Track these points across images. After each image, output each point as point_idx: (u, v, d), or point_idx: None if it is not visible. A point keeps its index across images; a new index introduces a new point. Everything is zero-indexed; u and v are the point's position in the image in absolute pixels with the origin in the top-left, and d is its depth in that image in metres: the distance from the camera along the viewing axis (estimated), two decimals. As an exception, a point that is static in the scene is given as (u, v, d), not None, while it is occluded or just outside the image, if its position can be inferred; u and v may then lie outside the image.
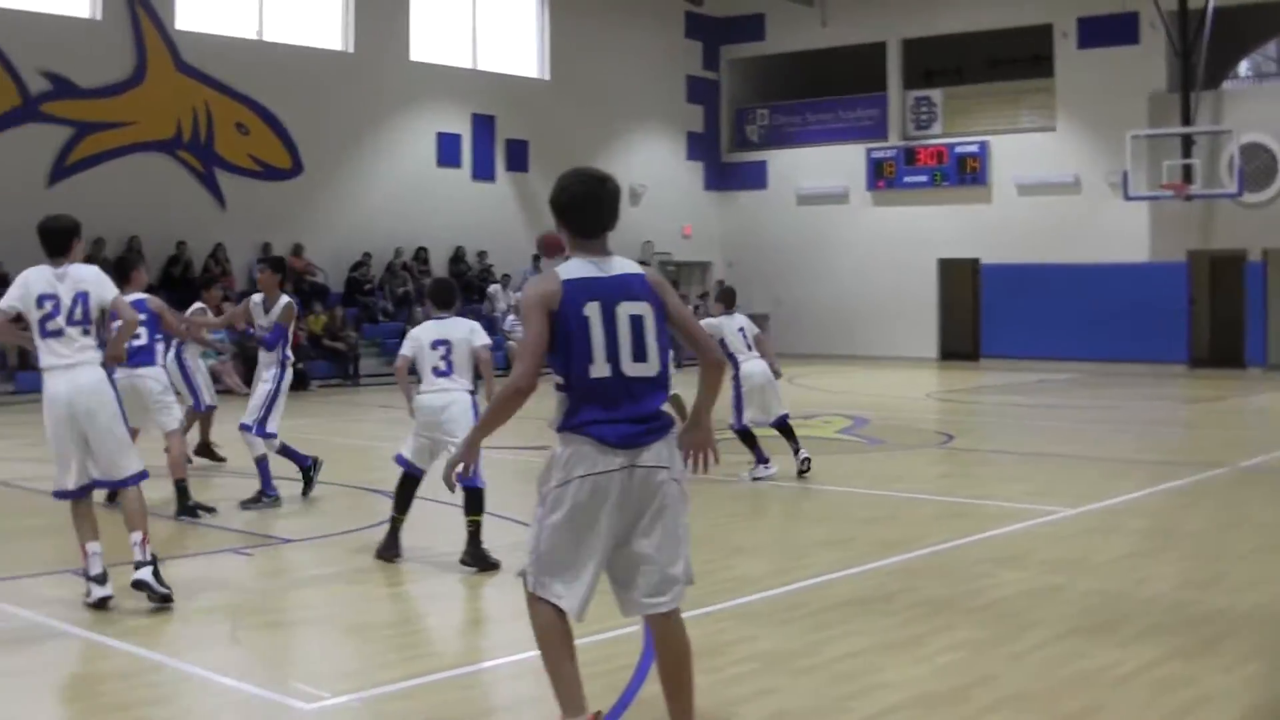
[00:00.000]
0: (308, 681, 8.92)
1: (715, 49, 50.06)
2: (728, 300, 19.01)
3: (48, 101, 34.47)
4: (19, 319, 10.88)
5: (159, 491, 14.60)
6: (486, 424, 7.36)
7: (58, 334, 10.62)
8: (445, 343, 12.67)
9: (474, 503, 12.19)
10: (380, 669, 9.33)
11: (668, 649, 7.23)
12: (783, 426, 18.43)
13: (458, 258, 41.30)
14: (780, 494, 17.28)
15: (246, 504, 15.63)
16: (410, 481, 12.65)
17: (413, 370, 12.90)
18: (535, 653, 7.29)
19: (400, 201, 40.40)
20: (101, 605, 10.49)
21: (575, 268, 7.10)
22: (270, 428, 15.74)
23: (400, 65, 40.96)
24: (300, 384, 33.32)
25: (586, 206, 7.18)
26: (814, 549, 13.41)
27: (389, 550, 12.56)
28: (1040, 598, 11.23)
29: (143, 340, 14.47)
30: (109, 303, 10.81)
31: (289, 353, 16.24)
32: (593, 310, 6.98)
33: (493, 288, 40.60)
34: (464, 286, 38.94)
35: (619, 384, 7.02)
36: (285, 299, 16.19)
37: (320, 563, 12.95)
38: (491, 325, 36.56)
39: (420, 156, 41.52)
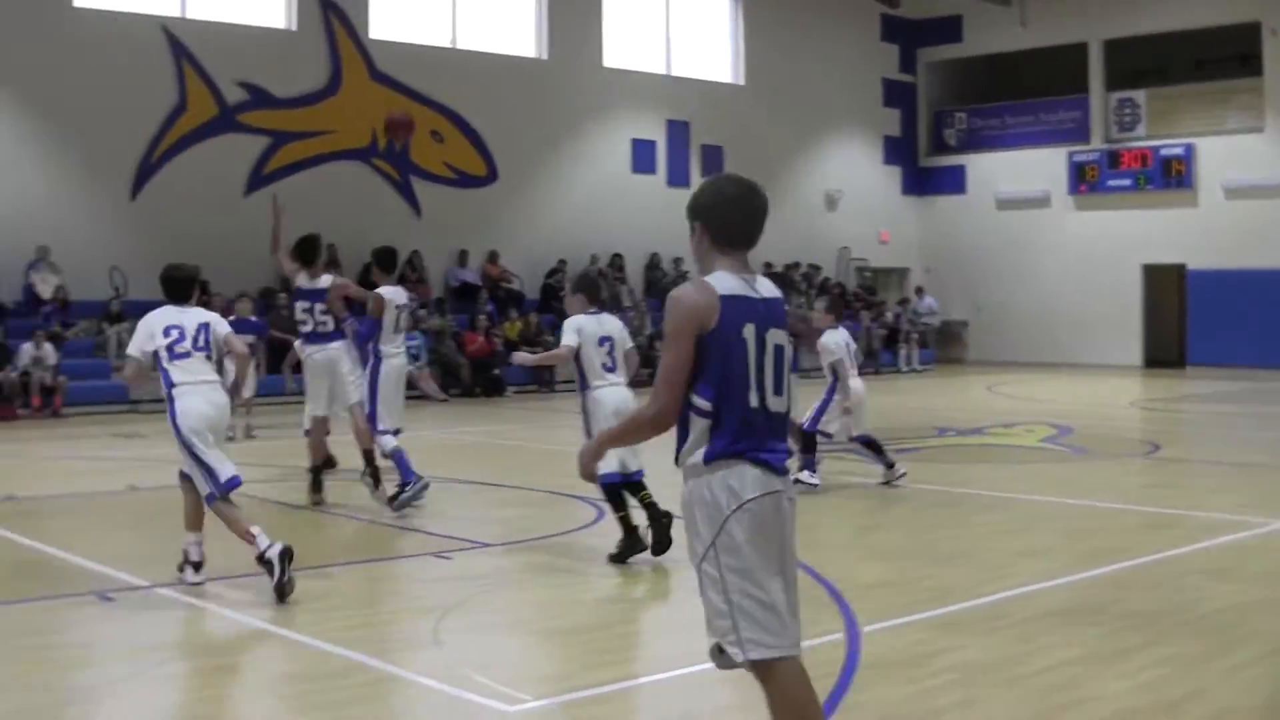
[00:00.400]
0: (509, 684, 8.74)
1: (912, 51, 49.16)
2: (837, 311, 18.45)
3: (245, 112, 34.68)
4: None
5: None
6: (615, 439, 6.92)
7: (185, 356, 11.72)
8: (609, 339, 12.87)
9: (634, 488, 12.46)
10: (581, 672, 9.28)
11: (792, 699, 6.22)
12: (869, 443, 17.75)
13: (653, 264, 40.90)
14: (980, 503, 16.61)
15: (393, 502, 15.34)
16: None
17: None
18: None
19: (595, 208, 40.12)
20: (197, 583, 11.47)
21: (729, 282, 6.21)
22: (381, 425, 15.57)
23: (594, 71, 40.66)
24: (496, 390, 33.17)
25: (744, 210, 6.34)
26: (1017, 559, 12.85)
27: (630, 550, 12.52)
28: (1253, 611, 10.74)
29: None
30: (223, 337, 12.02)
31: (381, 346, 15.88)
32: (749, 334, 6.17)
33: None
34: (659, 293, 38.46)
35: (765, 417, 6.23)
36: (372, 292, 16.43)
37: (520, 566, 12.79)
38: None
39: (615, 162, 41.18)
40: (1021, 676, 8.70)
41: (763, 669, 6.08)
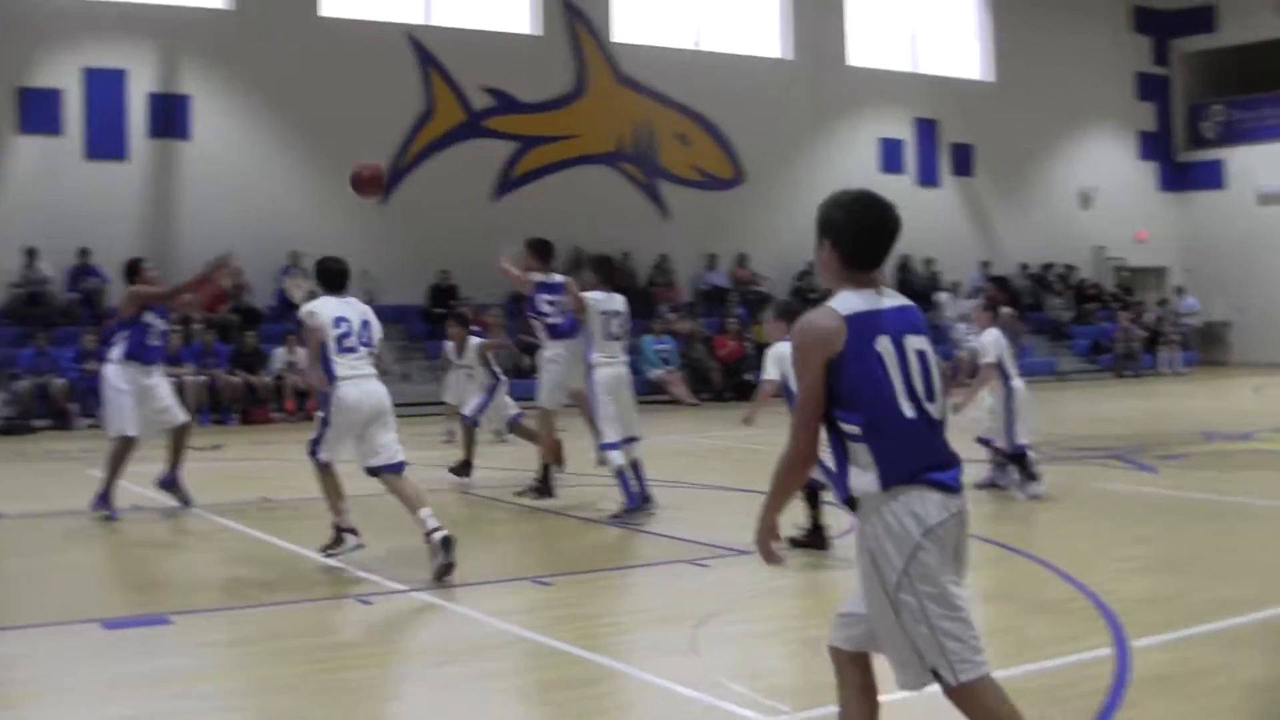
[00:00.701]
0: (769, 694, 8.33)
1: (1164, 43, 47.59)
2: (995, 309, 17.21)
3: (491, 117, 35.00)
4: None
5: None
6: (773, 498, 6.28)
7: (351, 350, 12.27)
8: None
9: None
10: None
11: (1007, 713, 5.91)
12: (1022, 455, 16.25)
13: (904, 265, 39.79)
14: (1254, 513, 15.41)
15: (615, 518, 14.79)
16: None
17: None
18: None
19: None
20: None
21: (853, 301, 5.85)
22: (605, 439, 14.94)
23: (839, 70, 40.15)
24: (747, 394, 32.60)
25: (876, 232, 5.97)
26: None
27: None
28: None
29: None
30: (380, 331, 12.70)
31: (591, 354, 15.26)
32: (885, 346, 5.80)
33: (941, 295, 39.22)
34: (911, 294, 36.17)
35: (927, 426, 5.86)
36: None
37: (778, 573, 11.63)
38: (940, 334, 36.20)
39: (862, 163, 40.04)
40: None
41: (968, 691, 5.81)
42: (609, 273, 15.79)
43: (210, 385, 27.65)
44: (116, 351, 14.85)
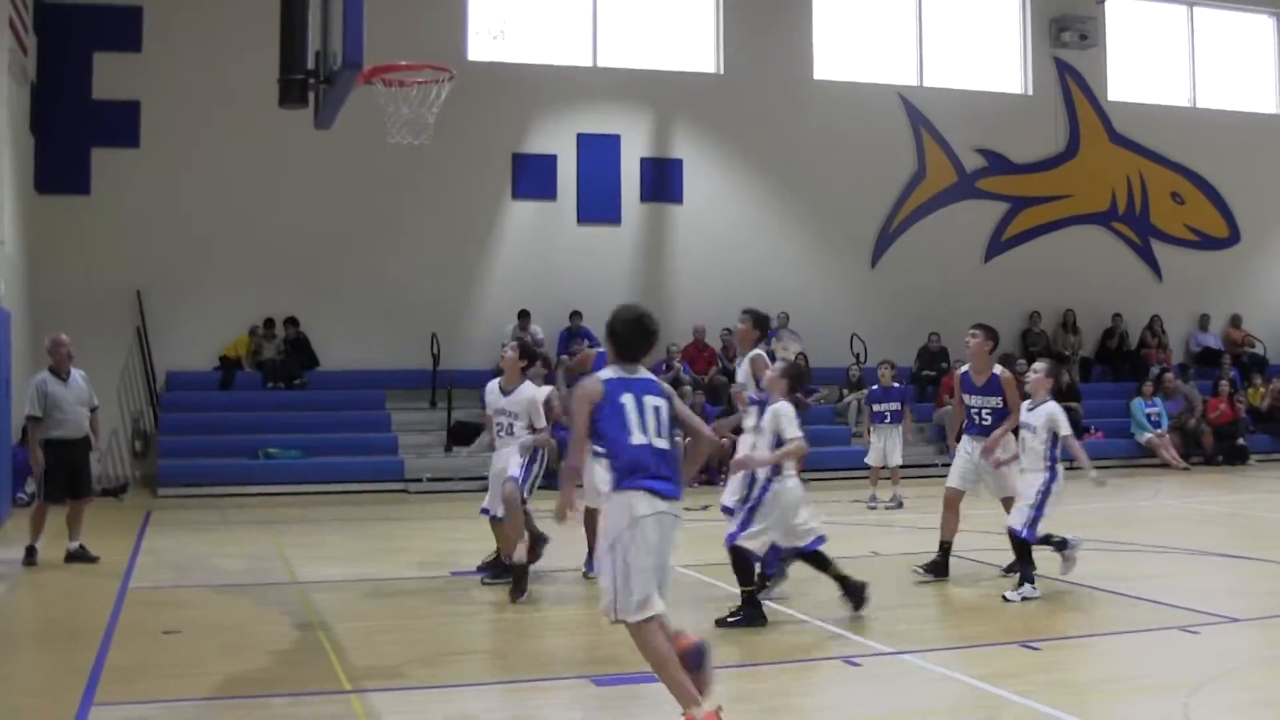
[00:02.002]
0: None
1: None
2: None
3: (983, 178, 33.54)
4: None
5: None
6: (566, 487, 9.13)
7: None
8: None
9: None
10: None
11: None
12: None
13: None
14: None
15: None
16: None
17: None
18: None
19: None
20: None
21: (609, 373, 8.56)
22: None
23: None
24: (1240, 458, 30.72)
25: (637, 336, 8.56)
26: None
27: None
28: None
29: None
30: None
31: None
32: (628, 400, 8.42)
33: None
34: None
35: (654, 452, 8.36)
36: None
37: (1272, 643, 11.64)
38: None
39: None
40: None
41: (632, 628, 8.23)
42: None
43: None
44: None
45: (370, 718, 8.95)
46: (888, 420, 22.08)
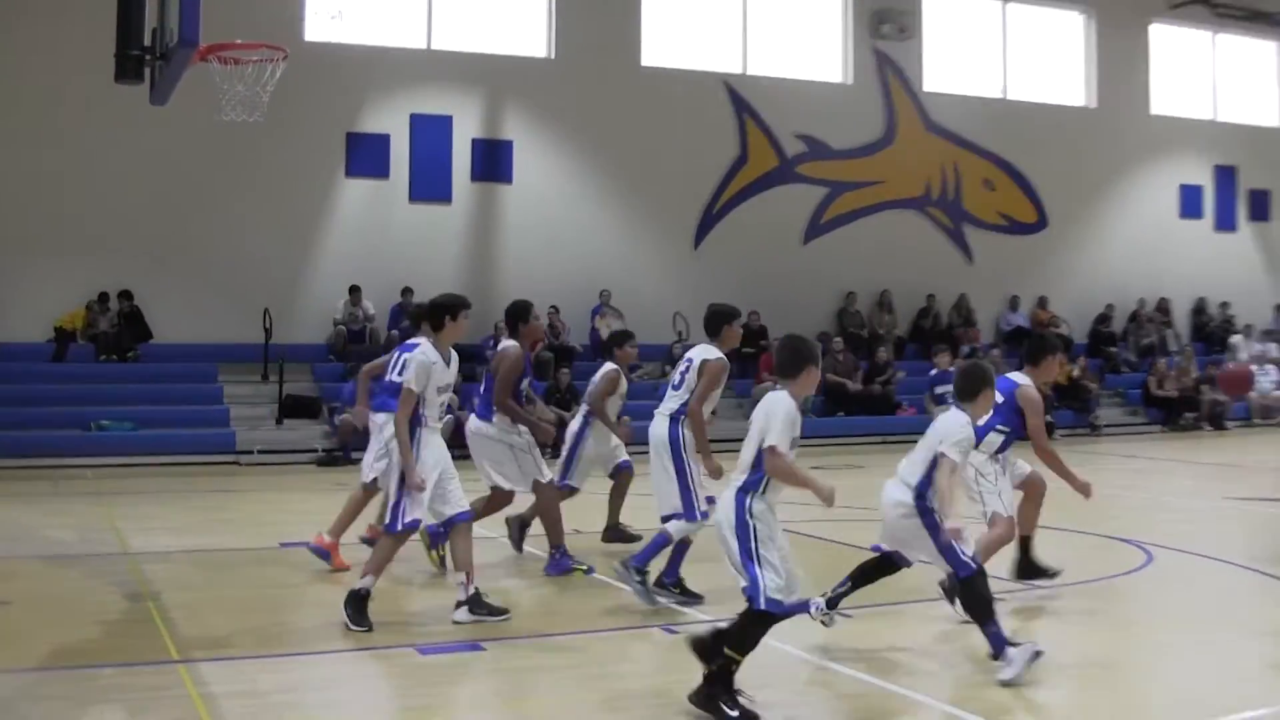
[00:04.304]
0: None
1: None
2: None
3: (803, 163, 33.18)
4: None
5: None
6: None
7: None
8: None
9: None
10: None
11: None
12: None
13: (1199, 309, 36.72)
14: None
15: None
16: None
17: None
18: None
19: (1141, 253, 36.40)
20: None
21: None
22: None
23: (1141, 119, 36.99)
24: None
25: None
26: None
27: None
28: None
29: None
30: None
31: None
32: None
33: (1235, 338, 35.75)
34: (1205, 338, 35.56)
35: None
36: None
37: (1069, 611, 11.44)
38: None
39: (1161, 208, 37.24)
40: None
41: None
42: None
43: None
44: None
45: (199, 686, 8.75)
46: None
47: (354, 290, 28.06)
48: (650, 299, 29.95)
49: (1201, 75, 38.81)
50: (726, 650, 7.98)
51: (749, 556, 7.92)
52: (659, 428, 11.44)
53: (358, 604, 10.66)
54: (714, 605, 11.16)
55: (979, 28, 35.73)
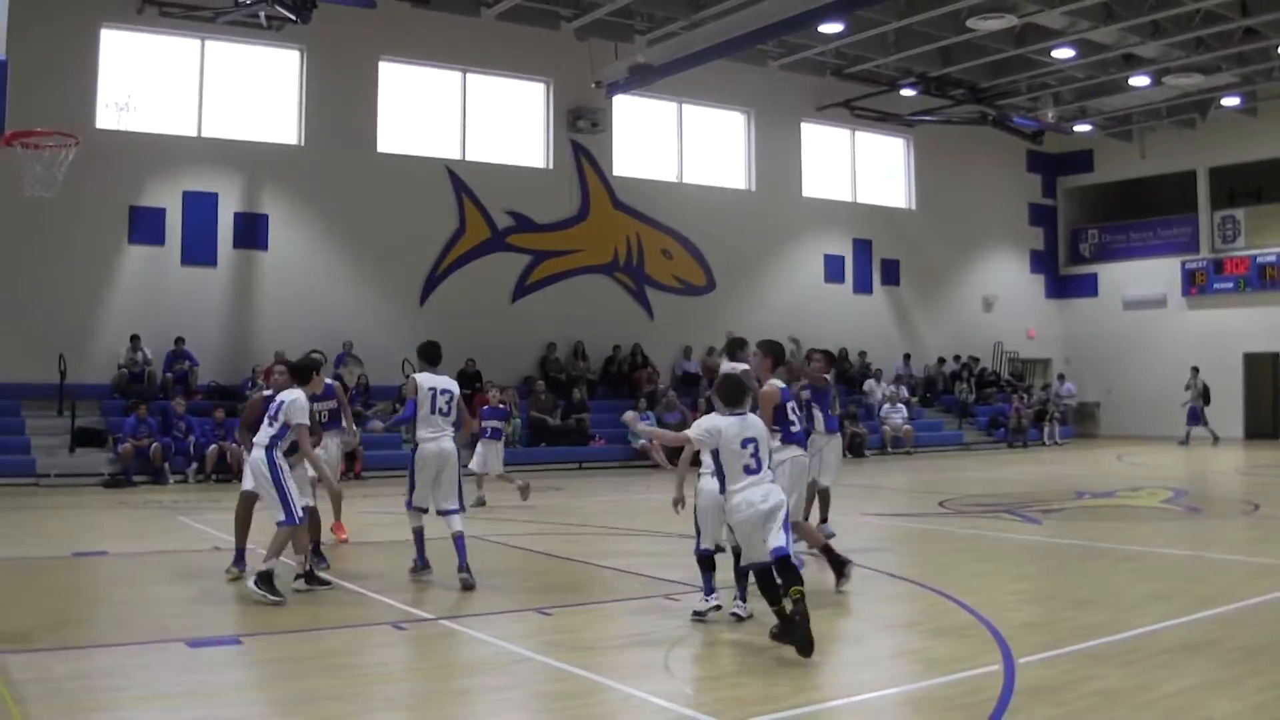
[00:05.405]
0: (728, 705, 8.36)
1: (1052, 179, 47.16)
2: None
3: (511, 235, 34.72)
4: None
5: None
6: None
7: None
8: (753, 440, 10.02)
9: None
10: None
11: None
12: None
13: (841, 356, 38.69)
14: (1113, 556, 15.49)
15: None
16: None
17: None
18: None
19: (794, 310, 38.32)
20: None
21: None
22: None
23: (793, 200, 39.80)
24: None
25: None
26: (1146, 602, 11.97)
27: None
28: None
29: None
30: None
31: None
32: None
33: (868, 383, 39.00)
34: (845, 380, 37.51)
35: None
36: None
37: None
38: (869, 411, 37.46)
39: (810, 273, 40.21)
40: (1152, 700, 8.25)
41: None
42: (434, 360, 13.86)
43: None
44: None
45: (2, 674, 8.86)
46: None
47: (134, 338, 28.85)
48: (383, 348, 30.54)
49: (842, 165, 41.53)
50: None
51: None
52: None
53: (266, 581, 11.71)
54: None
55: (659, 123, 37.64)
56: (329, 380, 15.50)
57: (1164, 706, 8.11)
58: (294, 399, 12.43)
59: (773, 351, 12.46)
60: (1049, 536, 17.20)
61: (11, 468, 25.68)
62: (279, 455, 12.31)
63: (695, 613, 10.98)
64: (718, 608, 11.01)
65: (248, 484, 13.06)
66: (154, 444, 26.50)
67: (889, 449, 36.49)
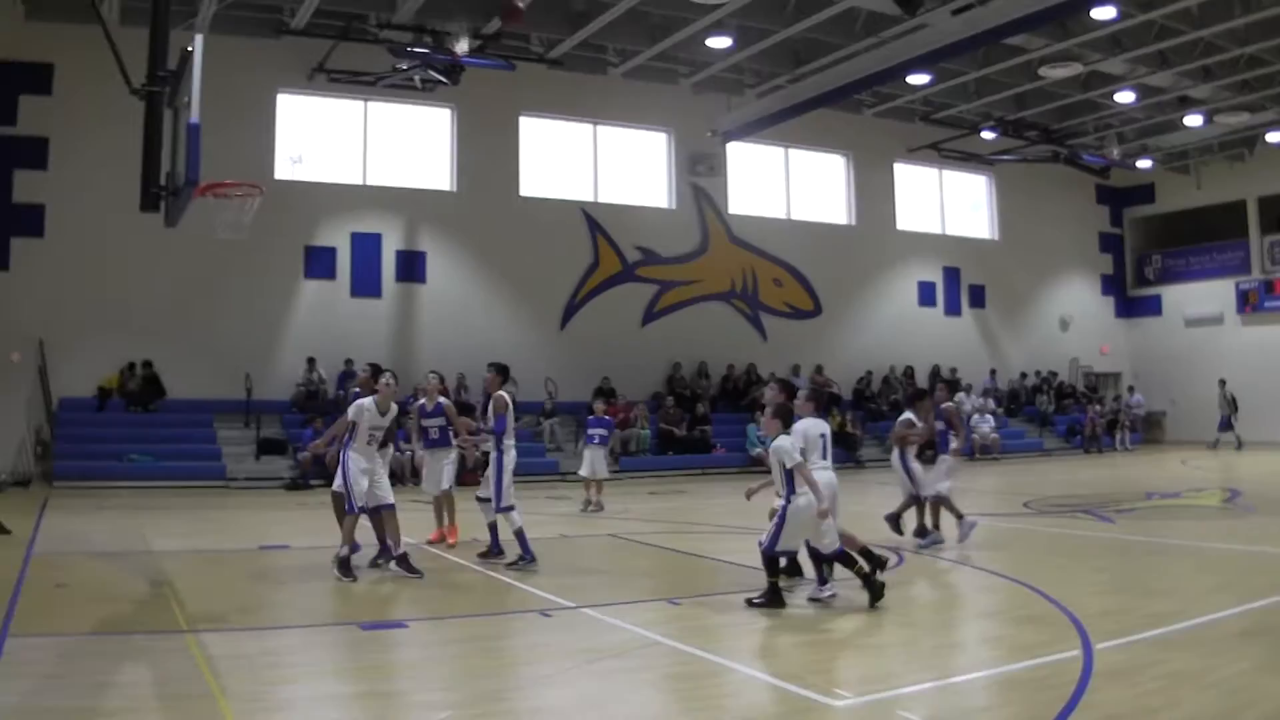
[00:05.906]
0: (838, 685, 8.55)
1: (1119, 210, 47.35)
2: (818, 400, 12.61)
3: (640, 267, 35.11)
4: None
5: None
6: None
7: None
8: (825, 435, 11.80)
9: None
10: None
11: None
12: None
13: (935, 373, 38.49)
14: (1180, 551, 15.54)
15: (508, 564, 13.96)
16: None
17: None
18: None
19: (891, 332, 39.28)
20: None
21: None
22: (505, 502, 13.81)
23: (889, 233, 40.29)
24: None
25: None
26: (1208, 593, 12.07)
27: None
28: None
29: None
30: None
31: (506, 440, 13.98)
32: None
33: (959, 395, 38.12)
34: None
35: None
36: (443, 400, 15.92)
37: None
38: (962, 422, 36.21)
39: (905, 298, 40.55)
40: (1216, 682, 8.36)
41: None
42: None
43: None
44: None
45: (202, 649, 9.18)
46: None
47: (310, 360, 29.54)
48: (529, 368, 30.24)
49: (932, 200, 41.82)
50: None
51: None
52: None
53: (343, 565, 12.36)
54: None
55: (768, 167, 37.82)
56: (440, 399, 15.78)
57: (1225, 688, 8.21)
58: (354, 402, 13.34)
59: (815, 396, 12.38)
60: (1122, 533, 17.14)
61: (205, 473, 26.42)
62: (349, 454, 13.10)
63: (810, 599, 11.45)
64: (834, 595, 11.41)
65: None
66: (328, 452, 27.03)
67: (978, 455, 36.12)
